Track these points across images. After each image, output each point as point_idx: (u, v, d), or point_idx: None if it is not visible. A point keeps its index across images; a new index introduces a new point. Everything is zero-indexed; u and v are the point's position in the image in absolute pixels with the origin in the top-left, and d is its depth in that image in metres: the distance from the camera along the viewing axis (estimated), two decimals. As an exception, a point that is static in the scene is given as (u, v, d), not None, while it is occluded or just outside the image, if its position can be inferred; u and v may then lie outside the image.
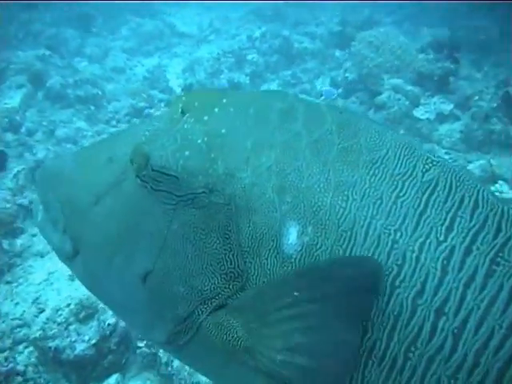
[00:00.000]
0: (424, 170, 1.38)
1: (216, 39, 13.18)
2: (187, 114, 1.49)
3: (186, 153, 1.43)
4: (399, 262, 1.30)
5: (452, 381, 1.27)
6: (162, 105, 8.85)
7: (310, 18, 13.55)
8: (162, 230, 1.44)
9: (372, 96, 7.96)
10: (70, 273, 4.98)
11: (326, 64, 10.90)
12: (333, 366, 1.29)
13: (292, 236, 1.36)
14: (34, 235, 5.57)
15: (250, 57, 10.84)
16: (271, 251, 1.37)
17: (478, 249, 1.30)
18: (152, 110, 8.47)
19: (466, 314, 1.27)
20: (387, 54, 8.13)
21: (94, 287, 1.64)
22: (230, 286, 1.41)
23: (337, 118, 1.46)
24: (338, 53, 10.89)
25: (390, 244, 1.31)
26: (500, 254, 1.30)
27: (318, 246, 1.33)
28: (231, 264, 1.40)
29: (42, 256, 5.44)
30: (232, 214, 1.40)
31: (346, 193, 1.36)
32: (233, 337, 1.39)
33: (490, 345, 1.25)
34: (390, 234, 1.32)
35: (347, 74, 8.61)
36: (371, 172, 1.38)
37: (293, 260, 1.34)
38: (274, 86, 10.47)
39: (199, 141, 1.44)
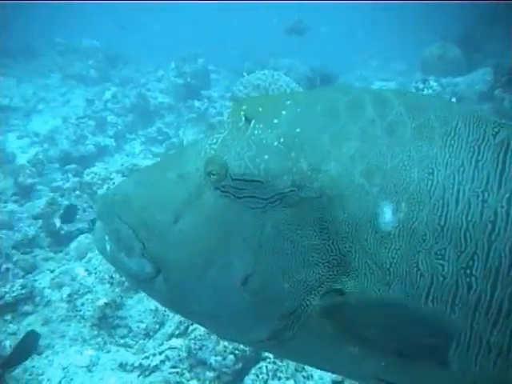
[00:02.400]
0: (494, 133, 1.48)
1: (46, 108, 12.52)
2: (253, 121, 1.54)
3: (266, 156, 1.48)
4: (492, 219, 1.40)
5: None
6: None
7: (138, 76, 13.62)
8: (256, 234, 1.49)
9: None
10: (85, 363, 4.68)
11: (185, 116, 11.07)
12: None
13: (387, 214, 1.43)
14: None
15: (109, 118, 10.59)
16: (370, 232, 1.44)
17: None
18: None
19: None
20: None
21: (181, 302, 1.64)
22: (334, 272, 1.49)
23: (403, 100, 1.55)
24: (196, 103, 11.09)
25: (480, 204, 1.42)
26: None
27: (414, 219, 1.43)
28: (332, 252, 1.47)
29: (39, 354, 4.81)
30: (325, 205, 1.46)
31: (430, 166, 1.45)
32: (344, 319, 1.47)
33: None
34: (478, 196, 1.42)
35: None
36: (448, 143, 1.47)
37: (392, 236, 1.43)
38: (138, 144, 10.38)
39: (275, 143, 1.49)
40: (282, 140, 1.49)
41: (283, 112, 1.54)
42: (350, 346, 1.51)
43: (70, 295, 5.15)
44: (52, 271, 5.64)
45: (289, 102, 1.56)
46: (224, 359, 4.08)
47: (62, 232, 6.36)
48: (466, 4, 16.71)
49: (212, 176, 1.51)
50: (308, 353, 1.66)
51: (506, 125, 1.50)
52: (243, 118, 1.55)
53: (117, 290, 5.20)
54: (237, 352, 4.08)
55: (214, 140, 1.56)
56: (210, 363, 4.12)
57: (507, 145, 1.46)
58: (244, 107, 1.57)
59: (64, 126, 10.04)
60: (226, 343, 4.12)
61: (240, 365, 4.09)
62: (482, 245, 1.40)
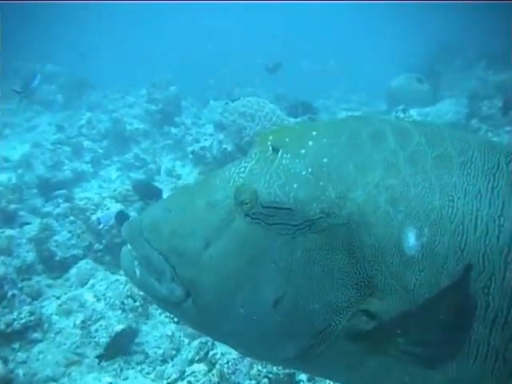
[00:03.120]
0: (507, 161, 1.60)
1: (12, 133, 12.26)
2: (281, 151, 1.63)
3: (295, 185, 1.57)
4: (508, 242, 1.51)
5: None
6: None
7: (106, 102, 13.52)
8: (287, 258, 1.57)
9: (255, 162, 8.43)
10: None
11: (160, 142, 11.05)
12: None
13: (411, 239, 1.53)
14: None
15: (85, 144, 10.49)
16: (395, 256, 1.54)
17: None
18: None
19: None
20: (264, 122, 8.69)
21: (211, 323, 1.70)
22: (362, 294, 1.58)
23: (423, 131, 1.67)
24: (173, 130, 11.09)
25: (497, 229, 1.52)
26: None
27: (436, 243, 1.53)
28: (360, 274, 1.56)
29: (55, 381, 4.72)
30: (352, 231, 1.55)
31: (450, 193, 1.55)
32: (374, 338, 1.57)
33: None
34: (495, 221, 1.53)
35: (225, 146, 8.92)
36: (465, 172, 1.58)
37: (416, 259, 1.53)
38: (114, 170, 10.30)
39: (304, 172, 1.58)
40: (310, 170, 1.58)
41: (310, 143, 1.63)
42: (374, 364, 1.62)
43: (83, 321, 5.05)
44: (58, 297, 5.52)
45: (314, 133, 1.65)
46: (258, 383, 4.09)
47: (57, 258, 6.25)
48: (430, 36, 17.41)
49: (243, 204, 1.59)
50: (333, 369, 1.75)
51: None
52: (270, 148, 1.64)
53: (130, 315, 5.14)
54: (270, 375, 4.09)
55: (242, 169, 1.65)
56: (245, 387, 4.12)
57: None
58: (271, 138, 1.67)
59: (39, 152, 9.88)
60: (259, 367, 4.13)
61: (274, 388, 4.10)
62: (499, 266, 1.51)
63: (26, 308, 5.15)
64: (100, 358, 4.69)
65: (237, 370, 4.18)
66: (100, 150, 10.74)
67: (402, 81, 13.50)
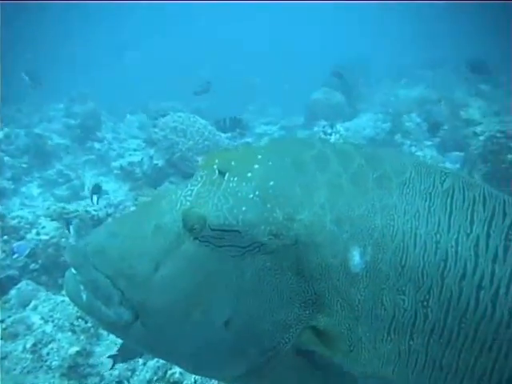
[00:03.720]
0: (441, 181, 1.71)
1: None
2: (227, 174, 1.67)
3: (243, 208, 1.61)
4: (444, 258, 1.62)
5: (495, 335, 1.62)
6: None
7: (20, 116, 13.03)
8: (237, 279, 1.62)
9: (186, 178, 8.41)
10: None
11: (82, 157, 10.82)
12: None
13: (356, 258, 1.61)
14: None
15: (5, 159, 10.10)
16: (341, 274, 1.62)
17: (494, 232, 1.66)
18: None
19: (498, 283, 1.62)
20: (196, 137, 8.73)
21: (160, 345, 1.73)
22: (310, 311, 1.64)
23: (362, 153, 1.76)
24: (97, 145, 10.88)
25: (434, 245, 1.63)
26: (510, 232, 1.67)
27: (378, 261, 1.62)
28: (308, 293, 1.63)
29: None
30: (300, 251, 1.61)
31: (391, 213, 1.65)
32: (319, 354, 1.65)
33: None
34: (432, 238, 1.64)
35: (155, 162, 8.87)
36: (404, 192, 1.69)
37: (360, 276, 1.62)
38: (35, 187, 9.98)
39: (251, 195, 1.63)
40: (257, 193, 1.63)
41: (255, 166, 1.68)
42: (323, 376, 1.69)
43: (34, 345, 4.88)
44: (2, 321, 5.30)
45: (260, 157, 1.70)
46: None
47: (-9, 279, 6.02)
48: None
49: (191, 227, 1.62)
50: (284, 383, 1.79)
51: (450, 173, 1.74)
52: (217, 172, 1.68)
53: (82, 337, 5.02)
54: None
55: (189, 192, 1.68)
56: (214, 407, 4.12)
57: (452, 192, 1.69)
58: (216, 161, 1.71)
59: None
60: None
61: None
62: (437, 281, 1.61)
63: (-29, 333, 4.93)
64: None
65: (206, 388, 4.18)
66: (22, 166, 10.32)
67: (321, 95, 13.83)
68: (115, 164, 10.35)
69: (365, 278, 1.61)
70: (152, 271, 1.63)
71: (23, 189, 9.95)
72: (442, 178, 1.72)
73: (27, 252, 6.11)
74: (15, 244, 6.31)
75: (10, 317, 5.33)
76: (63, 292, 5.76)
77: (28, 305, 5.58)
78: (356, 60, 19.10)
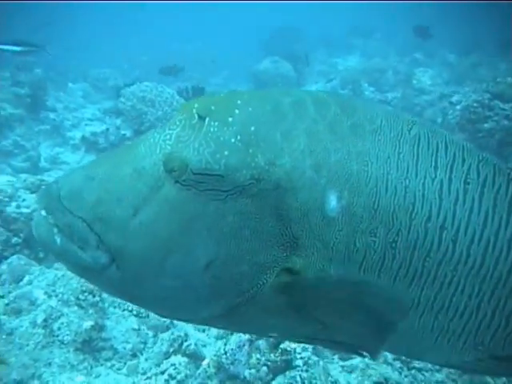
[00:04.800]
0: (408, 129, 1.80)
1: None
2: (207, 119, 1.68)
3: (226, 152, 1.64)
4: (412, 201, 1.73)
5: (454, 272, 1.78)
6: None
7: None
8: (218, 223, 1.65)
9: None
10: None
11: (35, 127, 10.47)
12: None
13: (333, 202, 1.68)
14: None
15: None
16: (318, 218, 1.68)
17: (455, 176, 1.78)
18: None
19: (458, 223, 1.76)
20: (165, 107, 8.64)
21: (134, 290, 1.75)
22: (287, 253, 1.70)
23: (337, 101, 1.81)
24: (51, 115, 10.53)
25: (403, 190, 1.73)
26: (468, 176, 1.80)
27: (354, 205, 1.70)
28: (286, 236, 1.69)
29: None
30: (281, 196, 1.66)
31: (365, 159, 1.72)
32: (295, 296, 1.73)
33: (475, 239, 1.78)
34: (402, 182, 1.73)
35: (123, 132, 8.74)
36: (376, 138, 1.76)
37: (336, 220, 1.69)
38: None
39: (233, 140, 1.65)
40: (238, 137, 1.65)
41: (236, 111, 1.70)
42: (296, 316, 1.76)
43: (45, 320, 4.80)
44: (1, 297, 5.16)
45: (239, 102, 1.72)
46: (258, 371, 4.20)
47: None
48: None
49: (173, 171, 1.64)
50: (251, 324, 1.89)
51: (416, 121, 1.83)
52: (196, 116, 1.69)
53: (91, 311, 4.97)
54: (269, 363, 4.21)
55: (168, 136, 1.68)
56: (245, 377, 4.21)
57: (418, 139, 1.79)
58: (196, 105, 1.71)
59: None
60: (258, 355, 4.22)
61: (271, 375, 4.22)
62: (405, 223, 1.72)
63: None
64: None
65: (236, 360, 4.25)
66: (-29, 137, 9.91)
67: (269, 64, 13.89)
68: (71, 134, 10.11)
69: (340, 221, 1.69)
70: (130, 215, 1.64)
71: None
72: (410, 126, 1.80)
73: None
74: None
75: (10, 292, 5.20)
76: (56, 265, 5.66)
77: (21, 280, 5.46)
78: (288, 29, 19.24)
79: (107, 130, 8.76)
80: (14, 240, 6.18)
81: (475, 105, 7.07)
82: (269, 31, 19.59)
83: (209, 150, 1.63)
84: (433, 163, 1.77)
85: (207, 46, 21.65)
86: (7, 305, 5.01)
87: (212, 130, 1.66)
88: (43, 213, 1.69)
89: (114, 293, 1.88)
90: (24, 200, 6.48)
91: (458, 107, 7.28)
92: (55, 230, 1.67)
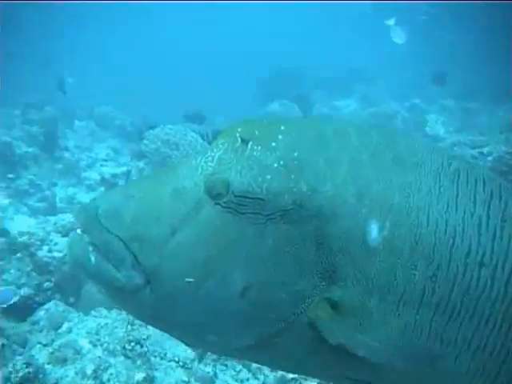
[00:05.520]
0: (448, 163, 1.80)
1: None
2: (250, 143, 1.69)
3: (268, 176, 1.63)
4: (453, 235, 1.71)
5: (492, 309, 1.74)
6: None
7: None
8: (257, 247, 1.63)
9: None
10: None
11: (48, 166, 10.40)
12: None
13: (375, 232, 1.66)
14: None
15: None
16: (359, 247, 1.66)
17: (492, 213, 1.78)
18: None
19: (496, 260, 1.74)
20: (189, 150, 8.65)
21: (165, 314, 1.71)
22: (326, 283, 1.67)
23: (379, 133, 1.82)
24: (66, 154, 10.48)
25: (444, 223, 1.71)
26: (505, 213, 1.79)
27: (395, 236, 1.68)
28: (326, 264, 1.66)
29: None
30: (321, 223, 1.65)
31: (407, 191, 1.71)
32: (333, 327, 1.68)
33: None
34: (443, 216, 1.72)
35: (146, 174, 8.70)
36: (417, 172, 1.75)
37: (378, 250, 1.67)
38: (2, 198, 9.47)
39: (275, 165, 1.65)
40: (281, 162, 1.65)
41: (279, 136, 1.70)
42: (331, 349, 1.69)
43: (94, 371, 4.70)
44: (45, 345, 5.06)
45: (283, 128, 1.73)
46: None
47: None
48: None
49: (214, 192, 1.63)
50: (284, 358, 1.83)
51: (456, 156, 1.85)
52: (239, 140, 1.69)
53: (139, 362, 4.89)
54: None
55: (210, 158, 1.69)
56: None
57: (458, 174, 1.79)
58: (239, 130, 1.72)
59: None
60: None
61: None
62: (446, 257, 1.70)
63: (19, 358, 4.67)
64: None
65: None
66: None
67: (278, 107, 14.05)
68: (86, 174, 10.06)
69: (381, 252, 1.66)
70: (168, 236, 1.62)
71: (-7, 199, 9.39)
72: (449, 161, 1.80)
73: (12, 301, 5.76)
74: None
75: (53, 340, 5.10)
76: (94, 313, 5.57)
77: (60, 327, 5.36)
78: (287, 69, 19.44)
79: (129, 171, 8.72)
80: (46, 285, 6.11)
81: (507, 156, 7.17)
82: (267, 70, 19.75)
83: (251, 173, 1.63)
84: (472, 198, 1.77)
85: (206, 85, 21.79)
86: (52, 354, 4.90)
87: (255, 154, 1.66)
88: (79, 231, 1.68)
89: (144, 316, 1.83)
90: (56, 244, 6.40)
91: (490, 158, 7.36)
92: (90, 249, 1.64)
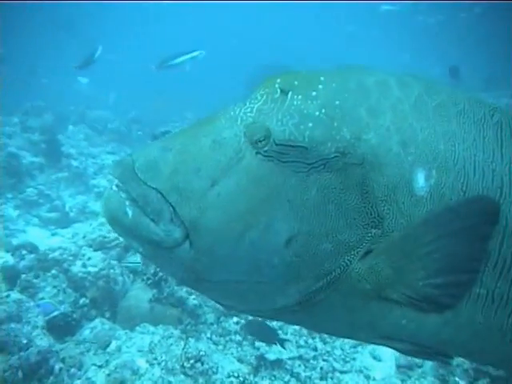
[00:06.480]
0: (491, 114, 1.76)
1: None
2: (290, 93, 1.66)
3: (310, 124, 1.60)
4: (499, 185, 1.67)
5: None
6: None
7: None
8: (301, 196, 1.59)
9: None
10: None
11: (54, 174, 10.18)
12: (464, 279, 1.60)
13: (421, 180, 1.62)
14: None
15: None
16: (406, 196, 1.62)
17: None
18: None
19: None
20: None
21: (207, 270, 1.64)
22: (373, 234, 1.62)
23: (420, 83, 1.78)
24: (74, 162, 10.25)
25: (491, 173, 1.67)
26: None
27: (442, 185, 1.63)
28: (371, 214, 1.62)
29: None
30: (366, 171, 1.61)
31: (452, 139, 1.67)
32: (381, 276, 1.62)
33: None
34: (489, 165, 1.68)
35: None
36: (461, 121, 1.71)
37: (425, 199, 1.62)
38: (11, 209, 9.24)
39: (317, 113, 1.62)
40: (323, 111, 1.62)
41: (320, 86, 1.67)
42: (375, 308, 1.67)
43: (158, 392, 4.58)
44: (100, 366, 4.91)
45: (322, 78, 1.70)
46: None
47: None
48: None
49: (256, 141, 1.60)
50: (330, 318, 1.76)
51: (498, 108, 1.80)
52: (279, 90, 1.67)
53: (201, 380, 4.77)
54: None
55: (249, 109, 1.66)
56: None
57: (500, 124, 1.75)
58: (278, 80, 1.69)
59: None
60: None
61: None
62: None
63: (78, 382, 4.53)
64: None
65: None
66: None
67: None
68: (94, 182, 9.89)
69: (429, 201, 1.62)
70: (208, 187, 1.57)
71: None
72: (491, 112, 1.77)
73: (55, 314, 5.60)
74: (40, 302, 5.76)
75: (108, 361, 4.95)
76: (139, 329, 5.42)
77: (108, 345, 5.22)
78: (276, 67, 19.28)
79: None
80: (82, 301, 5.93)
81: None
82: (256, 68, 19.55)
83: (293, 122, 1.60)
84: None
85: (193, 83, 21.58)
86: (108, 375, 4.77)
87: (295, 103, 1.63)
88: (115, 188, 1.61)
89: (182, 276, 1.70)
90: (90, 258, 6.23)
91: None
92: (127, 203, 1.58)
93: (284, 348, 5.23)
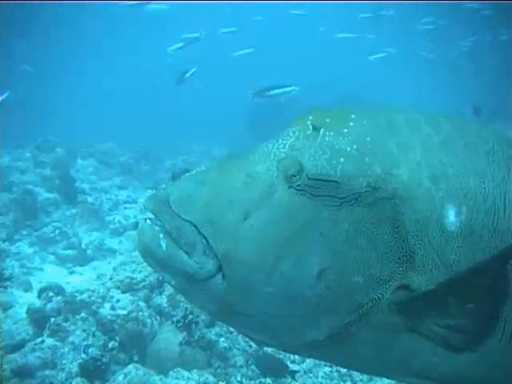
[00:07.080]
0: None
1: None
2: (322, 129, 1.70)
3: (342, 159, 1.64)
4: None
5: None
6: None
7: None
8: (332, 230, 1.61)
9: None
10: None
11: (69, 211, 10.13)
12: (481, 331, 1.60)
13: (452, 215, 1.63)
14: None
15: (-3, 217, 9.20)
16: (437, 231, 1.63)
17: None
18: None
19: None
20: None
21: (237, 303, 1.67)
22: (404, 268, 1.63)
23: (449, 121, 1.81)
24: (89, 198, 10.21)
25: None
26: None
27: (473, 221, 1.64)
28: (403, 248, 1.63)
29: None
30: (397, 206, 1.62)
31: (481, 176, 1.69)
32: (412, 310, 1.62)
33: None
34: None
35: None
36: (490, 159, 1.73)
37: (455, 235, 1.63)
38: (27, 246, 9.16)
39: (348, 149, 1.66)
40: (354, 146, 1.66)
41: (351, 123, 1.72)
42: (406, 344, 1.67)
43: None
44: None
45: (353, 116, 1.75)
46: None
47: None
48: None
49: (289, 175, 1.64)
50: (360, 353, 1.76)
51: None
52: (311, 127, 1.71)
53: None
54: None
55: (281, 145, 1.71)
56: None
57: None
58: (311, 118, 1.74)
59: None
60: None
61: None
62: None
63: None
64: None
65: None
66: (6, 223, 9.40)
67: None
68: (110, 218, 9.85)
69: (459, 237, 1.62)
70: (241, 220, 1.61)
71: (13, 248, 9.04)
72: None
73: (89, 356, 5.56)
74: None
75: (147, 410, 4.87)
76: (174, 374, 5.36)
77: (143, 390, 5.14)
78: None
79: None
80: (111, 344, 5.85)
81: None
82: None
83: (325, 157, 1.64)
84: None
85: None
86: (148, 424, 4.69)
87: (327, 139, 1.67)
88: (148, 221, 1.67)
89: (214, 308, 1.72)
90: (118, 301, 6.17)
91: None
92: (161, 235, 1.63)
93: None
